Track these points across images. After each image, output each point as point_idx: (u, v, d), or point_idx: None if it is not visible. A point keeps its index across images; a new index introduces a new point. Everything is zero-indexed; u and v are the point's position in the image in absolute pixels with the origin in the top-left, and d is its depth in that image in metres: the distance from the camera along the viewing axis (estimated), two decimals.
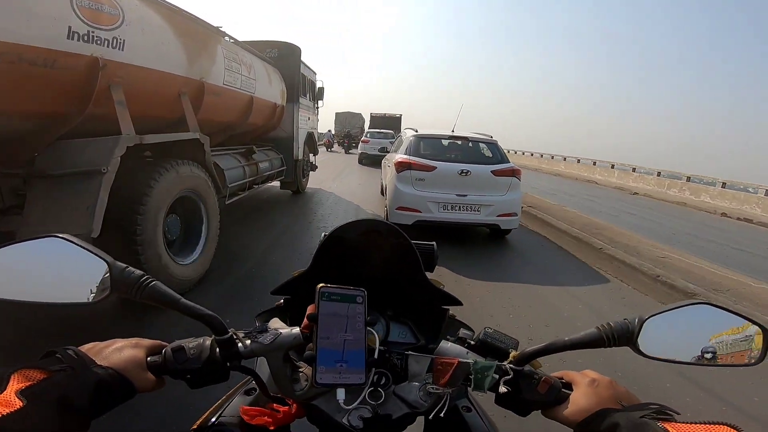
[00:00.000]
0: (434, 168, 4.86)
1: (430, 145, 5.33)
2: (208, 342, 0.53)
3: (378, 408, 0.55)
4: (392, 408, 0.56)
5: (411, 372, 0.61)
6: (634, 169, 16.13)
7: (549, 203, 8.04)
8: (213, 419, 0.62)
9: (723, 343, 0.46)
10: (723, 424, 0.38)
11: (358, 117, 28.36)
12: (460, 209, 4.83)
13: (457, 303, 0.76)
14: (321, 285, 0.54)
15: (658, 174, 14.80)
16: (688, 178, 13.49)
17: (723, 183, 12.48)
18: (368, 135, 17.53)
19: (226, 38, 4.50)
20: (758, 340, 0.46)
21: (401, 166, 4.96)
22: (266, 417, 0.55)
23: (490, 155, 5.32)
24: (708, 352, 0.47)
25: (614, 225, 6.46)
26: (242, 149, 5.38)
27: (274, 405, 0.57)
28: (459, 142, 5.41)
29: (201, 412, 0.65)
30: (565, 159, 21.33)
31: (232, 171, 4.69)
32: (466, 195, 4.82)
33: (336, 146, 25.35)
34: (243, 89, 4.71)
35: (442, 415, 0.54)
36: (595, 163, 18.91)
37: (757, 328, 0.46)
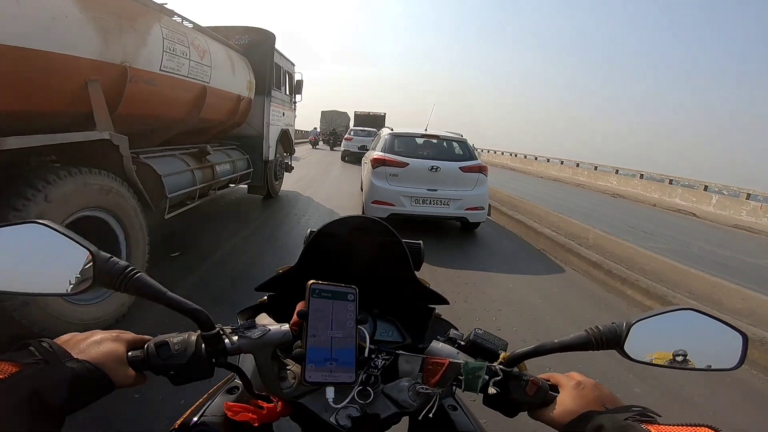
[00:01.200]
0: (407, 164, 5.18)
1: (404, 143, 5.61)
2: (194, 337, 0.52)
3: (366, 407, 0.55)
4: (381, 407, 0.56)
5: (400, 371, 0.60)
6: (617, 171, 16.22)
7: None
8: (195, 418, 0.60)
9: (706, 347, 0.48)
10: (703, 426, 0.39)
11: (343, 116, 28.70)
12: (430, 203, 5.14)
13: (445, 302, 0.76)
14: (312, 281, 0.54)
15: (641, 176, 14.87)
16: (671, 181, 13.92)
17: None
18: (351, 133, 17.45)
19: (175, 18, 3.78)
20: (739, 346, 0.47)
21: (376, 163, 5.25)
22: (250, 413, 0.54)
23: (460, 153, 5.63)
24: (691, 357, 0.48)
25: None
26: (193, 149, 4.51)
27: (259, 402, 0.55)
28: (432, 140, 5.74)
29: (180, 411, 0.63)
30: (578, 165, 18.90)
31: (176, 177, 3.78)
32: (436, 190, 5.13)
33: (321, 143, 26.17)
34: (192, 77, 3.91)
35: (431, 415, 0.54)
36: (596, 168, 18.11)
37: (737, 333, 0.48)
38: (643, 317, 0.49)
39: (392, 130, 5.96)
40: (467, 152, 5.59)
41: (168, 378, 0.51)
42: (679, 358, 0.48)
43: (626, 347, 0.49)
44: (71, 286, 0.46)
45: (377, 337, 0.74)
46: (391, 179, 5.17)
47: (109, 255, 0.48)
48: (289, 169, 7.87)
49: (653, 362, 0.49)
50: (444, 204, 5.16)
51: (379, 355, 0.61)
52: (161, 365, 0.50)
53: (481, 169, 5.33)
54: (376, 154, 5.45)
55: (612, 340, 0.50)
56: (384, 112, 25.44)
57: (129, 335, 0.52)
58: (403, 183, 5.15)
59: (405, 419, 0.59)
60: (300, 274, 0.65)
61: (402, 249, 0.71)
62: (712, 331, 0.48)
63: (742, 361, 0.48)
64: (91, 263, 0.46)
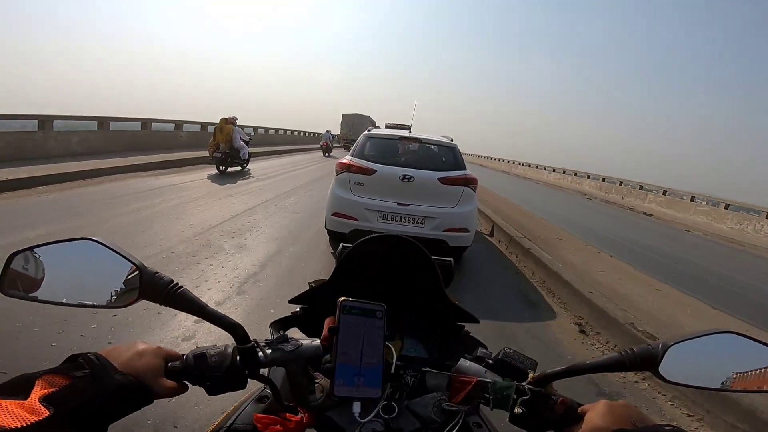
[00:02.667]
0: (374, 171, 4.25)
1: (377, 146, 4.67)
2: (230, 350, 0.54)
3: (391, 422, 0.55)
4: (405, 423, 0.56)
5: (426, 387, 0.61)
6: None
7: None
8: (226, 425, 0.62)
9: (748, 371, 0.47)
10: None
11: (366, 120, 26.23)
12: (401, 220, 4.18)
13: (474, 320, 0.76)
14: (343, 299, 0.55)
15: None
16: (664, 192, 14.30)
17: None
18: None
19: None
20: None
21: (340, 168, 4.38)
22: (278, 426, 0.55)
23: (444, 160, 4.67)
24: (732, 380, 0.47)
25: None
26: None
27: (287, 414, 0.57)
28: (409, 145, 4.76)
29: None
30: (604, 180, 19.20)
31: None
32: (408, 204, 4.17)
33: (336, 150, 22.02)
34: None
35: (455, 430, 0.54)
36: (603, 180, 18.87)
37: None
38: (681, 339, 0.48)
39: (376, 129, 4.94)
40: (453, 160, 4.57)
41: (204, 388, 0.53)
42: (720, 381, 0.47)
43: (661, 369, 0.48)
44: (118, 298, 0.49)
45: (405, 353, 0.74)
46: (355, 189, 4.23)
47: (155, 270, 0.51)
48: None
49: (690, 384, 0.48)
50: (418, 222, 4.16)
51: (406, 372, 0.62)
52: (199, 375, 0.52)
53: (467, 182, 4.29)
54: (344, 158, 4.51)
55: (647, 361, 0.49)
56: (409, 125, 23.00)
57: (167, 350, 0.54)
58: (370, 194, 4.22)
59: None
60: (333, 289, 0.66)
61: (432, 266, 0.72)
62: (755, 355, 0.47)
63: None
64: (138, 277, 0.49)
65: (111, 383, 0.45)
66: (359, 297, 0.57)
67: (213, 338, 2.36)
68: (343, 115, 27.59)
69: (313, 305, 0.75)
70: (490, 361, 0.62)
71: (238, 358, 0.53)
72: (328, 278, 0.73)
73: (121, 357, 0.49)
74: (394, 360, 0.59)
